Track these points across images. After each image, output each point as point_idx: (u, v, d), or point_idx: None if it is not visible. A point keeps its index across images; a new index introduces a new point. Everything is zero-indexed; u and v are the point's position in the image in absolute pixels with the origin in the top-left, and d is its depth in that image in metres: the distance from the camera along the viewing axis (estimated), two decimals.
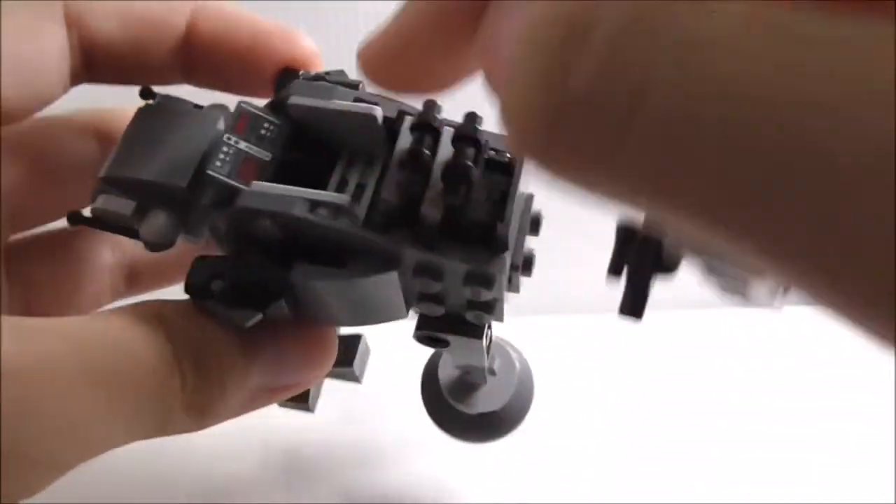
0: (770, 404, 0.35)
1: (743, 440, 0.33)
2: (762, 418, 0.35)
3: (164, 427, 0.19)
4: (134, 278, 0.27)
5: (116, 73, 0.23)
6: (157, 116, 0.23)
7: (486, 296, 0.20)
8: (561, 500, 0.30)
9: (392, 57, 0.16)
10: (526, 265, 0.21)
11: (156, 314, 0.19)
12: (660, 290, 0.17)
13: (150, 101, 0.23)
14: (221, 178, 0.20)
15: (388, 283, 0.20)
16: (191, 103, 0.23)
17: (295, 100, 0.21)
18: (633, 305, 0.17)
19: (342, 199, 0.20)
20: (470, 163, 0.19)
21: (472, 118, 0.20)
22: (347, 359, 0.29)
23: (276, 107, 0.22)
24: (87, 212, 0.23)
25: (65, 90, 0.23)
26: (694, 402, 0.35)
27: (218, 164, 0.21)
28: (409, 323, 0.23)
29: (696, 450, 0.33)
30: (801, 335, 0.40)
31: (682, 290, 0.44)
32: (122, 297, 0.27)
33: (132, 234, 0.22)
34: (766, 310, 0.16)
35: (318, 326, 0.23)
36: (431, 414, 0.29)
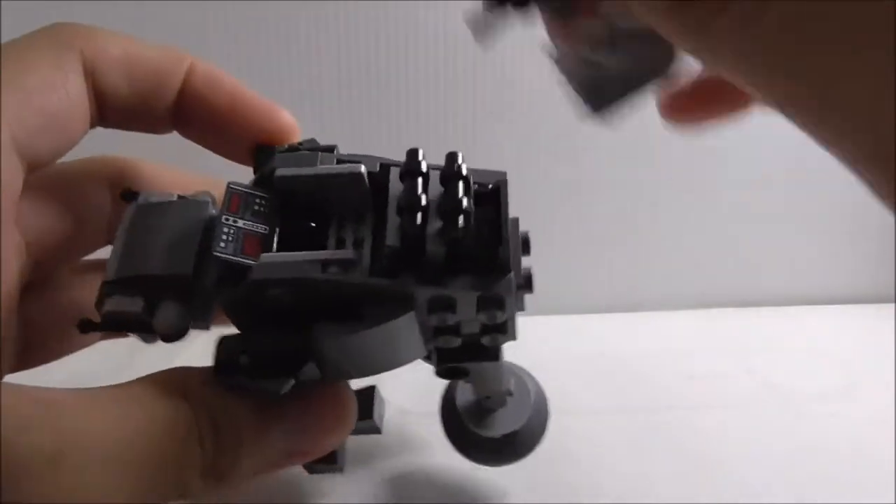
0: (770, 404, 0.36)
1: (743, 441, 0.34)
2: (762, 418, 0.35)
3: (182, 494, 0.20)
4: None
5: (123, 120, 0.25)
6: (146, 214, 0.23)
7: (500, 317, 0.21)
8: (562, 500, 0.30)
9: None
10: (527, 282, 0.23)
11: (181, 385, 0.20)
12: (660, 290, 0.18)
13: (138, 202, 0.24)
14: (229, 257, 0.21)
15: (408, 325, 0.21)
16: (174, 194, 0.24)
17: (281, 171, 0.22)
18: (481, 26, 0.19)
19: (349, 253, 0.21)
20: (462, 196, 0.20)
21: (453, 157, 0.21)
22: (366, 412, 0.29)
23: (262, 181, 0.23)
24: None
25: (84, 134, 0.24)
26: (693, 402, 0.36)
27: (222, 244, 0.21)
28: (416, 363, 0.24)
29: (696, 450, 0.33)
30: (800, 335, 0.42)
31: (682, 290, 0.46)
32: (112, 337, 0.27)
33: (146, 328, 0.23)
34: (601, 122, 0.20)
35: (337, 385, 0.24)
36: (454, 442, 0.30)
